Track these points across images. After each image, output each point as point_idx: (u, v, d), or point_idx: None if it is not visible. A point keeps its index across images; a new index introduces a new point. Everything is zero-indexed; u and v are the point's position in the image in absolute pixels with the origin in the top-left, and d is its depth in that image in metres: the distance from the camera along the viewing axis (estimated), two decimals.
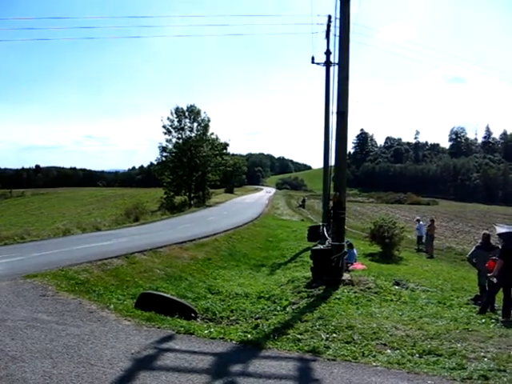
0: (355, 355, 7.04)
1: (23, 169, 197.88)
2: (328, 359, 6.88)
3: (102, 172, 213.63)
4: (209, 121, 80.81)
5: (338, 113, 13.44)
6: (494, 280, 11.10)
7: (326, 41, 24.65)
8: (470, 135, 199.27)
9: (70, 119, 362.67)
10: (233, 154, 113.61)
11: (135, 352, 6.95)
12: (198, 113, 79.67)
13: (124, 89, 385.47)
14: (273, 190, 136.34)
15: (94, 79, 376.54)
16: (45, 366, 6.25)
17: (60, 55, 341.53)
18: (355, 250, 19.28)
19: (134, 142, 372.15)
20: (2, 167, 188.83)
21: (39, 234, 28.99)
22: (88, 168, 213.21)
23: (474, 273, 14.19)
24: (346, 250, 14.20)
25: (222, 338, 7.93)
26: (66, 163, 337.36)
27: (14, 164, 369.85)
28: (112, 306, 10.02)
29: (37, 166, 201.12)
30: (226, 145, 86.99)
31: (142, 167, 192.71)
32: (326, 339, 7.92)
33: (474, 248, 13.48)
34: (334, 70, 14.65)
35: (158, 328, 8.36)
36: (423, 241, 29.89)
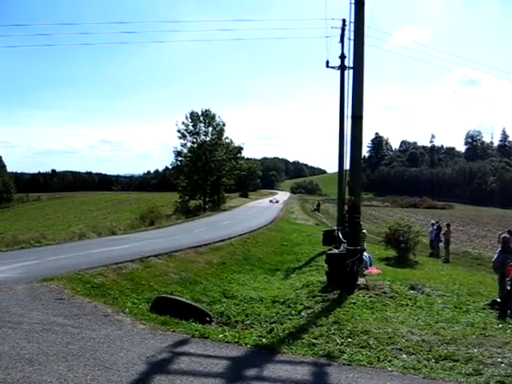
0: (371, 360, 7.00)
1: (39, 173, 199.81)
2: (343, 364, 6.84)
3: (118, 176, 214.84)
4: (224, 125, 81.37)
5: (352, 117, 13.40)
6: None
7: (340, 45, 24.70)
8: (486, 139, 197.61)
9: (85, 124, 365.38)
10: (247, 159, 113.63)
11: (150, 356, 6.95)
12: (213, 117, 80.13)
13: (138, 93, 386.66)
14: (287, 195, 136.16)
15: (109, 84, 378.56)
16: (60, 369, 6.27)
17: (76, 60, 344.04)
18: (367, 254, 19.10)
19: (149, 146, 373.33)
20: (19, 171, 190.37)
21: (55, 237, 29.21)
22: (103, 172, 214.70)
23: (491, 277, 14.07)
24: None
25: (237, 342, 7.91)
26: (81, 167, 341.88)
27: (30, 168, 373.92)
28: (127, 310, 10.04)
29: (53, 171, 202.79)
30: (240, 149, 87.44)
31: (157, 171, 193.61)
32: (341, 344, 7.88)
33: (497, 254, 13.30)
34: (349, 74, 14.57)
35: (173, 332, 8.36)
36: (433, 244, 29.78)
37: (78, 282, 12.34)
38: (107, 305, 10.41)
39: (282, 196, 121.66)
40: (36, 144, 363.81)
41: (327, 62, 25.25)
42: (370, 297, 11.84)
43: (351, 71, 13.74)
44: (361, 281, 13.29)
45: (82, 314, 9.26)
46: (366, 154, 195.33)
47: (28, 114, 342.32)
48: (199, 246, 22.76)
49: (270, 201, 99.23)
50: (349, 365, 6.79)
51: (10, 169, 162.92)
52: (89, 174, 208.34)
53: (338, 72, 24.90)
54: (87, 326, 8.40)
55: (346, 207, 14.64)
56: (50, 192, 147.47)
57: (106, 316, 9.29)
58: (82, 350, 7.08)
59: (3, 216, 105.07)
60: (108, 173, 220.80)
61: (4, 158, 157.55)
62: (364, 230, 17.72)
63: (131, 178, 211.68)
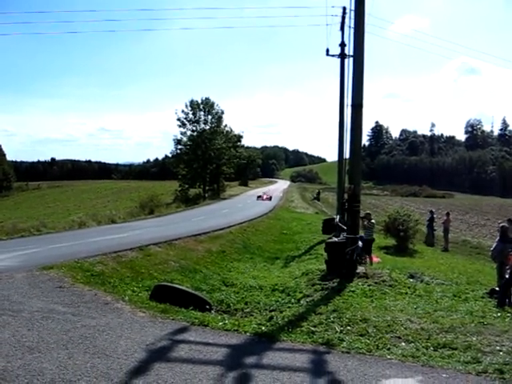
0: (369, 348, 7.02)
1: (39, 162, 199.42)
2: (342, 352, 6.86)
3: (117, 165, 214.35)
4: (222, 113, 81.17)
5: (352, 105, 13.36)
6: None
7: (340, 33, 24.55)
8: (487, 128, 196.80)
9: (85, 112, 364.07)
10: (247, 147, 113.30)
11: (150, 343, 6.98)
12: (212, 105, 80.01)
13: (138, 82, 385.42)
14: (287, 183, 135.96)
15: (109, 72, 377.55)
16: (61, 357, 6.30)
17: (75, 48, 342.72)
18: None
19: (148, 134, 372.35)
20: (18, 160, 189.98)
21: (55, 226, 29.26)
22: (103, 161, 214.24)
23: (489, 266, 14.08)
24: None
25: (237, 330, 7.93)
26: (80, 156, 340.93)
27: (29, 157, 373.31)
28: (127, 298, 10.07)
29: (52, 159, 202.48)
30: (239, 137, 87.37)
31: (156, 160, 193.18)
32: (340, 332, 7.91)
33: (496, 243, 13.33)
34: (349, 62, 14.52)
35: (173, 320, 8.38)
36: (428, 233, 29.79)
37: (77, 270, 12.37)
38: (107, 293, 10.43)
39: (282, 185, 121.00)
40: (35, 132, 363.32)
41: (327, 51, 25.12)
42: (370, 285, 11.85)
43: (351, 59, 13.69)
44: (360, 269, 13.31)
45: (82, 302, 9.29)
46: (366, 143, 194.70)
47: (27, 102, 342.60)
48: (199, 234, 22.82)
49: (259, 197, 64.39)
50: (348, 353, 6.81)
51: (9, 157, 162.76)
52: (88, 162, 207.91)
53: (339, 60, 24.77)
54: (87, 314, 8.42)
55: (345, 196, 14.61)
56: (50, 180, 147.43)
57: (106, 304, 9.31)
58: (82, 337, 7.10)
59: (3, 205, 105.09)
60: (107, 161, 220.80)
61: (3, 147, 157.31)
62: (373, 220, 17.77)
63: (131, 166, 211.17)
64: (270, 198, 62.67)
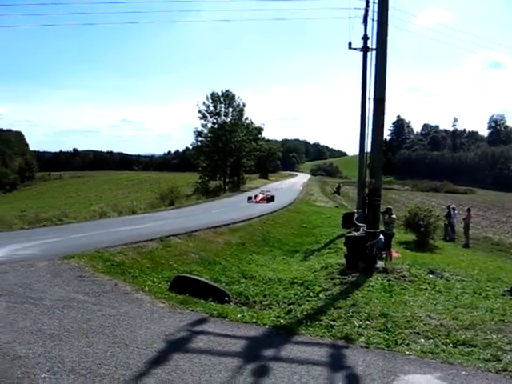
0: (388, 343, 7.00)
1: (61, 152, 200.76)
2: (361, 346, 6.86)
3: (138, 156, 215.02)
4: (244, 106, 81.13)
5: (375, 99, 13.27)
6: None
7: (363, 26, 24.33)
8: (510, 123, 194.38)
9: (106, 103, 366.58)
10: (267, 140, 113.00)
11: (169, 334, 7.04)
12: (233, 98, 79.95)
13: (159, 73, 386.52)
14: (307, 176, 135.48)
15: (130, 63, 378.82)
16: (81, 345, 6.39)
17: (98, 39, 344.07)
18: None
19: (170, 126, 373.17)
20: (41, 150, 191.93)
21: (76, 216, 29.58)
22: (124, 152, 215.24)
23: (511, 263, 13.91)
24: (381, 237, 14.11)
25: (255, 323, 7.97)
26: (102, 147, 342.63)
27: (52, 147, 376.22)
28: (147, 288, 10.17)
29: (74, 150, 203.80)
30: (260, 129, 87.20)
31: (177, 152, 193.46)
32: (359, 326, 7.89)
33: None
34: (372, 56, 14.43)
35: (192, 311, 8.44)
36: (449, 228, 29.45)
37: (98, 260, 12.49)
38: (127, 283, 10.54)
39: (302, 178, 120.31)
40: (57, 123, 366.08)
41: (349, 44, 24.96)
42: (389, 280, 11.81)
43: (374, 53, 13.60)
44: (380, 264, 13.26)
45: (103, 292, 9.39)
46: (387, 137, 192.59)
47: (49, 92, 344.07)
48: (218, 226, 22.83)
49: (250, 198, 44.24)
50: (366, 347, 6.80)
51: (32, 147, 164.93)
52: (110, 153, 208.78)
53: (361, 54, 24.59)
54: (107, 304, 8.51)
55: (366, 190, 14.54)
56: (72, 171, 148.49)
57: (126, 294, 9.41)
58: (102, 326, 7.19)
59: (25, 194, 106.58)
60: (129, 152, 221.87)
61: (26, 137, 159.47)
62: (394, 215, 17.65)
63: (152, 157, 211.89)
64: (268, 199, 43.13)
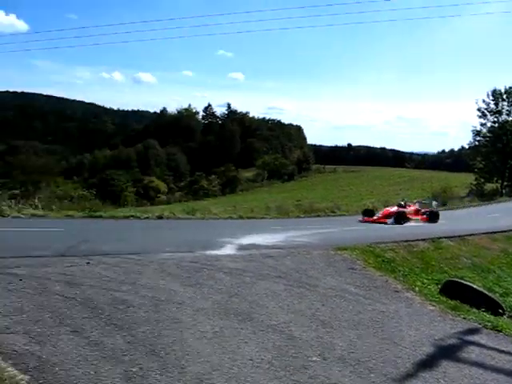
0: None
1: (336, 146, 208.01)
2: None
3: (411, 153, 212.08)
4: None
5: None
6: None
7: None
8: None
9: (380, 100, 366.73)
10: None
11: (438, 339, 6.87)
12: None
13: (438, 70, 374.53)
14: None
15: (408, 60, 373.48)
16: (351, 336, 6.58)
17: (374, 37, 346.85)
18: None
19: (445, 124, 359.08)
20: (318, 144, 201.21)
21: (348, 209, 30.44)
22: (397, 149, 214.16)
23: None
24: None
25: None
26: (375, 143, 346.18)
27: (328, 141, 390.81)
28: (417, 289, 10.05)
29: (348, 145, 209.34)
30: None
31: (452, 151, 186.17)
32: None
33: None
34: None
35: (464, 319, 8.12)
36: None
37: (369, 255, 12.67)
38: (397, 281, 10.54)
39: None
40: (333, 119, 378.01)
41: None
42: None
43: None
44: None
45: (373, 287, 9.55)
46: None
47: (326, 90, 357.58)
48: (494, 232, 21.44)
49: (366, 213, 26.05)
50: None
51: (309, 141, 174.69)
52: (382, 149, 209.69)
53: None
54: (377, 299, 8.64)
55: None
56: (345, 165, 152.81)
57: (396, 292, 9.43)
58: (372, 321, 7.32)
59: (301, 184, 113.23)
60: (402, 149, 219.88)
61: (305, 131, 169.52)
62: None
63: (425, 155, 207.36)
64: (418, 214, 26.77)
